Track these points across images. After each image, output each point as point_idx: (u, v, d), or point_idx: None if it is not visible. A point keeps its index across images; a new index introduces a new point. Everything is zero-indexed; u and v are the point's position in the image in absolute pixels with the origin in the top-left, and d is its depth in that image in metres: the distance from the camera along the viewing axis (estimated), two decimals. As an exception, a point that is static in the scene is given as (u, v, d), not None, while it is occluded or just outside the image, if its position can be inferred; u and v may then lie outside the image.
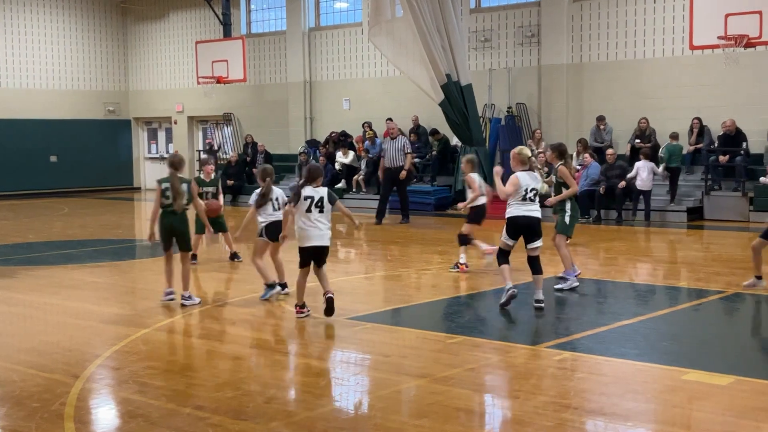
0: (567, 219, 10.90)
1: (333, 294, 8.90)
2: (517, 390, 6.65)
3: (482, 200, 12.19)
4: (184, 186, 9.84)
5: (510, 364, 7.35)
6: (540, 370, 7.15)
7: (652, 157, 18.79)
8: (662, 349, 8.02)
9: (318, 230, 8.75)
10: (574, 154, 19.74)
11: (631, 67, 20.64)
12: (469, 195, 12.24)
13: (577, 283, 10.56)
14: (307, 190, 8.76)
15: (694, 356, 7.68)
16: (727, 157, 18.38)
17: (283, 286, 10.27)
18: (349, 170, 23.40)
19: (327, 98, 26.34)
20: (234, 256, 13.16)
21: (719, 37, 15.37)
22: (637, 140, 19.70)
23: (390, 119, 23.41)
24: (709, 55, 17.86)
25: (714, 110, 19.13)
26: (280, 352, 8.05)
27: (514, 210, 9.24)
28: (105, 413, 6.39)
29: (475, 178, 12.17)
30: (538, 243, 9.31)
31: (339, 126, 25.36)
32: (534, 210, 9.23)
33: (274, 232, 9.91)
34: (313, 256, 8.88)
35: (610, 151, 19.23)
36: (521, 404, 6.31)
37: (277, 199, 10.29)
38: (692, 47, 16.38)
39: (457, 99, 20.76)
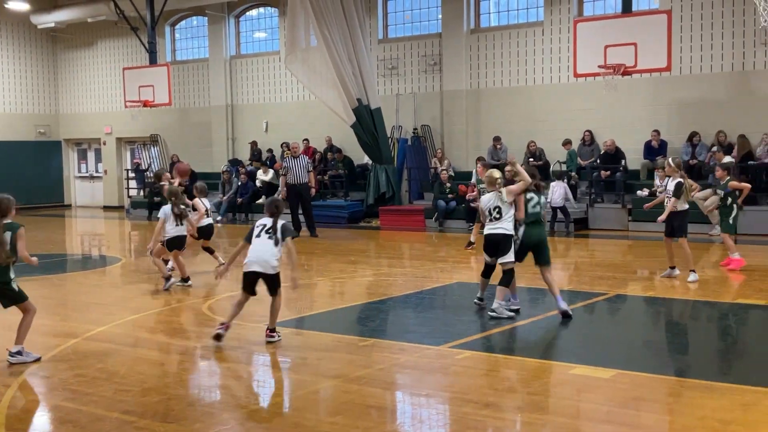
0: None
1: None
2: (423, 387, 6.68)
3: None
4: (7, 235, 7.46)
5: (417, 364, 7.37)
6: (444, 369, 7.19)
7: (546, 172, 19.20)
8: (552, 346, 8.18)
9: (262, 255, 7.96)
10: (474, 172, 20.02)
11: (523, 92, 21.05)
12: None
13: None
14: (264, 221, 8.10)
15: (581, 352, 7.84)
16: (609, 172, 18.90)
17: (186, 280, 11.34)
18: (270, 187, 23.21)
19: (247, 121, 26.13)
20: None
21: (600, 66, 15.77)
22: (531, 159, 20.07)
23: (306, 140, 23.43)
24: (592, 82, 18.34)
25: (596, 131, 19.67)
26: (203, 358, 7.90)
27: (485, 229, 9.17)
28: (36, 420, 6.17)
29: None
30: (507, 258, 8.99)
31: (258, 146, 25.21)
32: (498, 228, 8.98)
33: (172, 244, 11.09)
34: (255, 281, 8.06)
35: (508, 168, 19.44)
36: (427, 401, 6.34)
37: (180, 215, 11.09)
38: (576, 75, 16.79)
39: (367, 121, 20.87)
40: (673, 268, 11.60)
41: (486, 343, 8.08)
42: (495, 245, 9.02)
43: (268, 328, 8.15)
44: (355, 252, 16.03)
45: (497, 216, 8.96)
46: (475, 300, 9.62)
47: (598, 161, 19.21)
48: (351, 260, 14.45)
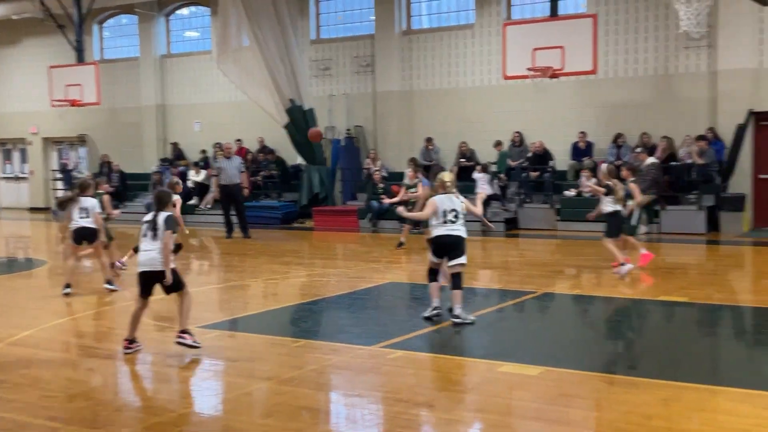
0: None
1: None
2: (355, 388, 6.69)
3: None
4: None
5: (349, 364, 7.37)
6: (375, 368, 7.21)
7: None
8: (482, 345, 8.27)
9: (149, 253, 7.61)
10: (406, 172, 20.13)
11: (455, 94, 21.24)
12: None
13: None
14: (148, 216, 7.80)
15: (509, 350, 7.95)
16: (537, 173, 19.21)
17: (109, 282, 11.14)
18: (202, 188, 22.93)
19: (179, 121, 25.76)
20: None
21: (528, 69, 15.98)
22: (462, 159, 20.28)
23: (239, 140, 23.22)
24: (521, 84, 18.59)
25: (525, 133, 19.96)
26: (131, 362, 7.75)
27: (437, 230, 8.89)
28: (-45, 429, 5.97)
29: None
30: (461, 260, 8.84)
31: (191, 147, 24.92)
32: (456, 230, 8.84)
33: (77, 236, 10.86)
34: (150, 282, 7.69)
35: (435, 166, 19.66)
36: (359, 401, 6.35)
37: (86, 209, 10.85)
38: (506, 77, 16.98)
39: (300, 122, 20.80)
40: (623, 264, 11.88)
41: (417, 343, 8.13)
42: (451, 247, 8.83)
43: (179, 330, 7.66)
44: (289, 253, 15.96)
45: (453, 219, 8.83)
46: (432, 310, 9.01)
47: (528, 162, 19.50)
48: (284, 261, 14.38)
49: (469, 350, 7.95)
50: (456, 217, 8.83)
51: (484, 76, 20.81)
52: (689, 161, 17.48)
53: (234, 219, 18.21)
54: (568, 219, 17.93)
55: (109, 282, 11.18)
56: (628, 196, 12.33)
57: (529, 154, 19.54)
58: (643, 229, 16.68)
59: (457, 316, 8.73)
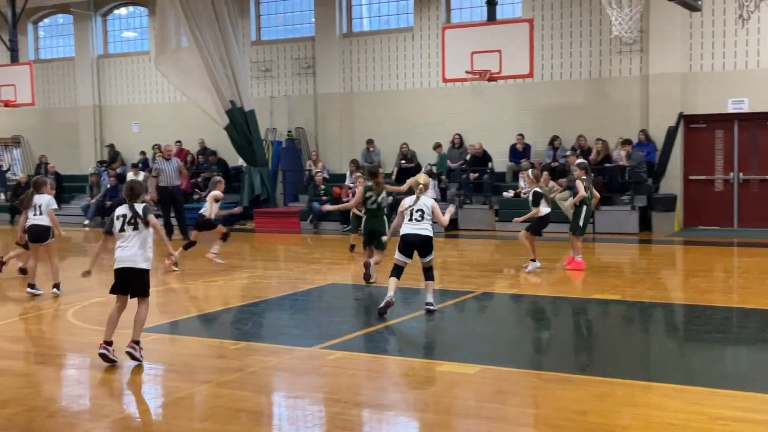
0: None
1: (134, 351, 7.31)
2: (295, 389, 6.66)
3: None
4: None
5: (288, 366, 7.33)
6: (315, 370, 7.19)
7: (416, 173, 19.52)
8: (421, 344, 8.31)
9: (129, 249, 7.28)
10: (348, 174, 20.17)
11: (395, 96, 21.31)
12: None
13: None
14: (121, 209, 7.39)
15: (448, 350, 8.00)
16: (477, 175, 19.39)
17: (56, 285, 10.86)
18: (140, 190, 22.57)
19: (117, 122, 25.33)
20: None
21: (467, 72, 16.13)
22: (403, 161, 20.36)
23: (179, 142, 22.94)
24: (460, 87, 18.74)
25: (465, 135, 20.13)
26: (66, 366, 7.60)
27: (404, 229, 9.27)
28: None
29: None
30: (430, 257, 9.34)
31: (129, 148, 24.54)
32: (423, 229, 9.22)
33: (30, 235, 10.78)
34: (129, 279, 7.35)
35: (379, 170, 19.69)
36: (298, 402, 6.32)
37: (39, 206, 10.72)
38: (445, 80, 17.10)
39: (241, 123, 20.64)
40: (533, 260, 12.33)
41: (357, 343, 8.13)
42: (418, 246, 9.24)
43: (132, 340, 7.30)
44: (229, 255, 15.77)
45: (419, 218, 9.20)
46: (387, 302, 9.15)
47: (467, 164, 19.67)
48: (225, 263, 14.22)
49: (408, 350, 7.98)
50: (422, 216, 9.22)
51: (424, 78, 20.93)
52: (622, 163, 17.84)
53: (173, 221, 17.96)
54: (507, 220, 18.06)
55: (32, 286, 10.93)
56: (576, 195, 12.58)
57: (468, 156, 19.72)
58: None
59: (430, 303, 9.34)
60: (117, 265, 7.31)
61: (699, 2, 8.08)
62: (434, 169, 19.66)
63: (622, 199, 17.79)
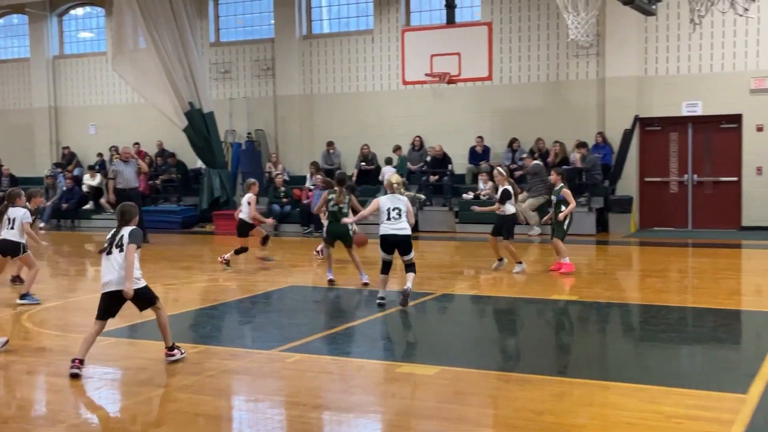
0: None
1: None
2: (253, 392, 6.61)
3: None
4: None
5: (247, 369, 7.27)
6: (274, 373, 7.15)
7: (376, 176, 19.63)
8: (380, 346, 8.31)
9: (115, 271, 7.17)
10: (308, 176, 20.11)
11: (356, 98, 21.29)
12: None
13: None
14: (112, 232, 7.37)
15: (408, 351, 8.02)
16: (437, 177, 19.46)
17: (23, 296, 10.37)
18: (97, 192, 22.28)
19: (74, 123, 24.93)
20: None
21: (426, 74, 16.20)
22: (363, 163, 20.36)
23: (137, 143, 22.68)
24: (420, 89, 18.79)
25: (425, 137, 20.19)
26: (21, 372, 7.44)
27: (383, 229, 9.69)
28: None
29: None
30: (411, 255, 9.85)
31: (86, 150, 24.20)
32: (402, 228, 9.65)
33: (2, 249, 10.19)
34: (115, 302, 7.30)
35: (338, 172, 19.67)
36: (257, 405, 6.28)
37: (13, 219, 10.20)
38: (405, 82, 17.15)
39: (200, 125, 20.46)
40: (501, 259, 12.45)
41: (317, 346, 8.10)
42: (398, 245, 9.69)
43: (165, 347, 7.41)
44: (189, 257, 15.66)
45: (396, 216, 9.65)
46: (378, 299, 9.86)
47: (427, 166, 19.72)
48: (183, 266, 14.11)
49: (368, 352, 7.97)
50: (399, 214, 9.68)
51: (384, 81, 20.95)
52: (578, 165, 18.03)
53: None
54: (467, 221, 18.19)
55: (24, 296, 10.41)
56: (561, 201, 12.28)
57: (428, 158, 19.77)
58: (536, 230, 17.16)
59: (408, 289, 9.76)
60: (105, 289, 7.19)
61: (654, 7, 8.21)
62: (421, 196, 19.32)
63: (579, 200, 17.94)
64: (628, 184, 18.36)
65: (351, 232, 12.03)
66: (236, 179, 21.81)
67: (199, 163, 21.76)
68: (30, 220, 10.48)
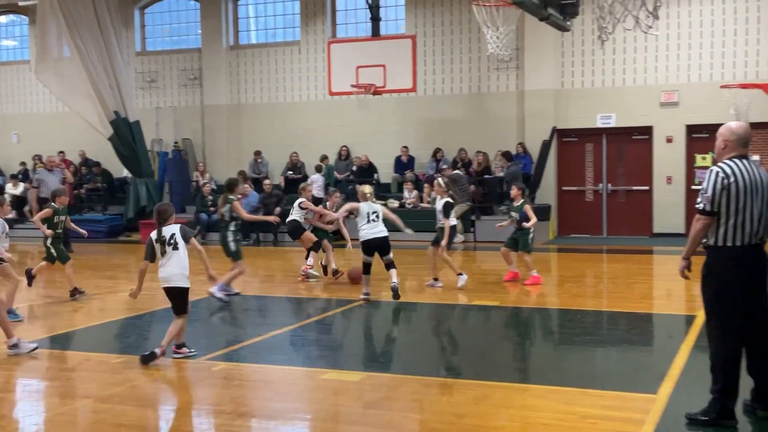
0: (232, 245, 11.18)
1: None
2: (177, 402, 6.49)
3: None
4: None
5: (172, 378, 7.15)
6: (200, 381, 7.04)
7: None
8: (306, 353, 8.26)
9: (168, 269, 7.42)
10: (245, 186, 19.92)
11: (283, 108, 21.19)
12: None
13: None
14: (154, 234, 7.54)
15: (332, 358, 7.99)
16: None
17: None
18: (20, 201, 21.60)
19: (-5, 132, 24.19)
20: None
21: (352, 85, 16.24)
22: (290, 172, 20.26)
23: (62, 152, 22.10)
24: (346, 99, 18.82)
25: (351, 146, 20.22)
26: (-62, 386, 7.16)
27: (365, 233, 10.53)
28: None
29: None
30: (390, 255, 10.72)
31: (8, 159, 23.45)
32: (381, 231, 10.57)
33: None
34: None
35: (266, 181, 19.57)
36: (181, 415, 6.17)
37: None
38: (331, 93, 17.16)
39: (126, 134, 20.06)
40: (436, 279, 11.80)
41: (243, 354, 8.01)
42: (378, 248, 10.56)
43: (174, 345, 7.60)
44: (114, 267, 15.31)
45: (375, 219, 10.51)
46: (363, 295, 10.65)
47: (353, 175, 19.75)
48: (108, 275, 13.78)
49: (293, 359, 7.92)
50: (377, 217, 10.51)
51: (311, 91, 20.91)
52: (499, 175, 18.32)
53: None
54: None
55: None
56: (524, 218, 11.94)
57: (355, 168, 19.81)
58: (460, 237, 17.33)
59: (396, 284, 10.56)
60: (162, 285, 7.56)
61: (568, 23, 8.42)
62: (395, 202, 19.16)
63: (501, 209, 18.23)
64: (547, 193, 18.73)
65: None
66: (163, 188, 21.45)
67: (125, 172, 21.34)
68: (6, 230, 9.31)
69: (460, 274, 11.63)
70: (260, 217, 14.46)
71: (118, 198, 21.50)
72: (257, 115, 21.47)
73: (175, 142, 21.77)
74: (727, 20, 17.61)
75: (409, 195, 18.83)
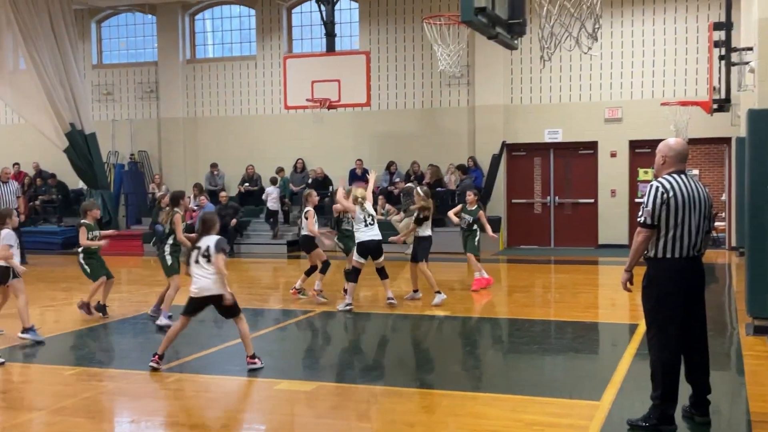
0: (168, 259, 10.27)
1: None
2: (131, 413, 6.38)
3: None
4: None
5: (126, 390, 7.02)
6: (153, 393, 6.93)
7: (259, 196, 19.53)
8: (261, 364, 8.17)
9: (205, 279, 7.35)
10: (191, 197, 19.68)
11: (239, 121, 21.07)
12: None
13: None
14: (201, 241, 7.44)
15: (286, 368, 7.92)
16: (318, 198, 19.38)
17: (27, 330, 8.96)
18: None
19: (-51, 143, 23.57)
20: None
21: (308, 100, 16.22)
22: (246, 184, 20.13)
23: (17, 164, 21.65)
24: (302, 113, 18.79)
25: (307, 159, 20.17)
26: None
27: (362, 235, 10.53)
28: None
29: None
30: (382, 258, 10.75)
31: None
32: (376, 234, 10.58)
33: None
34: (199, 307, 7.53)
35: (222, 194, 19.41)
36: (133, 426, 6.06)
37: None
38: (287, 107, 17.11)
39: (81, 146, 19.73)
40: (416, 291, 11.54)
41: (196, 365, 7.90)
42: (374, 250, 10.60)
43: (247, 356, 7.48)
44: (69, 278, 14.99)
45: (371, 222, 10.53)
46: (347, 306, 10.63)
47: (309, 187, 19.67)
48: (63, 287, 13.52)
49: (247, 370, 7.82)
50: (373, 221, 10.54)
51: (267, 105, 20.83)
52: (452, 188, 18.43)
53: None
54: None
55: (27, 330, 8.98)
56: (477, 221, 12.08)
57: (310, 180, 19.75)
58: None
59: (391, 299, 10.76)
60: (192, 295, 7.44)
61: (516, 42, 8.55)
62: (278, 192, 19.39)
63: (445, 220, 18.33)
64: (497, 205, 18.89)
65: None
66: (119, 200, 21.15)
67: (81, 184, 20.98)
68: (11, 242, 8.91)
69: (438, 292, 11.04)
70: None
71: (73, 210, 21.08)
72: (214, 128, 21.31)
73: (131, 155, 21.50)
74: (668, 40, 18.03)
75: (382, 208, 18.82)
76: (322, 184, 19.57)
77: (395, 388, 6.87)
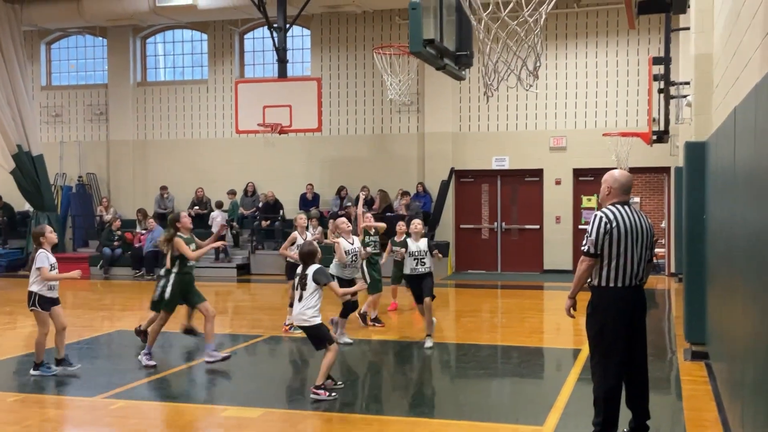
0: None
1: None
2: (73, 442, 6.20)
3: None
4: None
5: (68, 417, 6.83)
6: (96, 420, 6.74)
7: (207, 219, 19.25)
8: (208, 390, 8.03)
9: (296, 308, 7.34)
10: (137, 221, 19.46)
11: (190, 144, 20.86)
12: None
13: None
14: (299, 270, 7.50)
15: (234, 394, 7.79)
16: (268, 222, 19.30)
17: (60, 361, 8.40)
18: None
19: None
20: None
21: (259, 124, 16.13)
22: (196, 207, 19.89)
23: (-40, 185, 21.06)
24: (253, 138, 18.66)
25: (258, 183, 20.04)
26: None
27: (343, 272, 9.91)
28: None
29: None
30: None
31: None
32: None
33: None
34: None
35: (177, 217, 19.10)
36: (76, 455, 5.88)
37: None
38: (238, 131, 16.99)
39: (28, 168, 19.32)
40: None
41: (142, 391, 7.72)
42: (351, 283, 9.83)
43: (314, 385, 7.30)
44: (13, 302, 14.57)
45: (354, 259, 10.01)
46: (347, 341, 9.95)
47: (259, 211, 19.56)
48: (6, 311, 13.13)
49: (193, 396, 7.69)
50: (356, 257, 10.06)
51: (218, 129, 20.68)
52: (401, 213, 18.45)
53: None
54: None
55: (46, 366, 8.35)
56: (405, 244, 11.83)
57: (261, 204, 19.63)
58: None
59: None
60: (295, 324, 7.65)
61: (463, 72, 8.64)
62: (227, 215, 19.21)
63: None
64: (446, 230, 18.99)
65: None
66: (66, 222, 20.71)
67: (27, 206, 20.50)
68: (45, 264, 8.28)
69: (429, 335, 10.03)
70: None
71: (19, 232, 20.60)
72: (164, 151, 21.06)
73: (80, 177, 21.10)
74: (610, 73, 18.44)
75: (314, 231, 18.69)
76: (273, 207, 19.46)
77: (344, 415, 6.81)
